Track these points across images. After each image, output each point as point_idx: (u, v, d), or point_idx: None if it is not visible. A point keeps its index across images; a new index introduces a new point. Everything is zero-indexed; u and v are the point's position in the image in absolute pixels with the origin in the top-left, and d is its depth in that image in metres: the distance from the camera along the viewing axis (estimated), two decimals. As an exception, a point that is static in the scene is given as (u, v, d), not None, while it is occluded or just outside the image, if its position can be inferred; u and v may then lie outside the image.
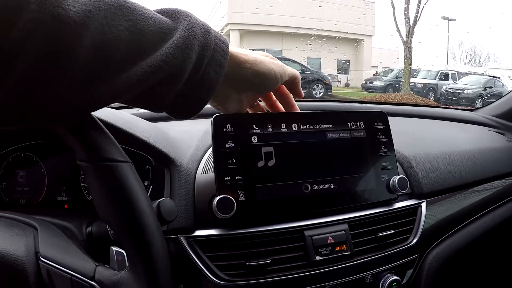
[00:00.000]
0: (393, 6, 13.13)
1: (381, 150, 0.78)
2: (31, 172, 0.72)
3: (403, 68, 10.35)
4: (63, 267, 0.42)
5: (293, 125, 0.71)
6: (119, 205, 0.44)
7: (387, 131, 0.79)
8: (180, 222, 0.64)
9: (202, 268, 0.62)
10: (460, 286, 1.22)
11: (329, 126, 0.74)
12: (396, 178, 0.75)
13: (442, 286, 0.85)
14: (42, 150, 0.73)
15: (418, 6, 11.91)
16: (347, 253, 0.70)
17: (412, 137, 0.98)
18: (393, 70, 12.70)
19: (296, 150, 0.70)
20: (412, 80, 10.86)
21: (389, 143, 0.79)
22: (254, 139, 0.67)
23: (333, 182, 0.72)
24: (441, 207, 0.87)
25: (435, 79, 11.86)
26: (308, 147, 0.71)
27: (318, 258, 0.68)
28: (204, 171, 0.70)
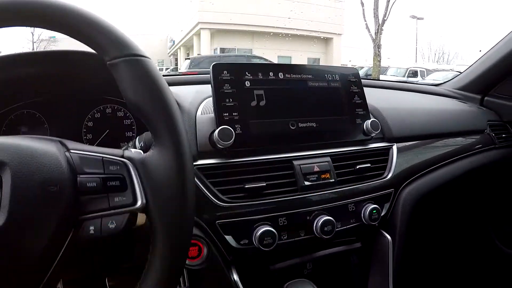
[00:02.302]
0: (362, 4, 13.76)
1: (354, 99, 0.90)
2: (34, 129, 0.80)
3: (372, 65, 10.65)
4: (93, 153, 0.48)
5: (279, 73, 0.83)
6: (152, 89, 0.49)
7: (359, 83, 0.92)
8: None
9: (206, 192, 0.71)
10: (431, 224, 1.35)
11: (309, 76, 0.86)
12: (369, 121, 0.87)
13: (416, 222, 0.96)
14: (45, 108, 0.81)
15: (387, 5, 12.51)
16: (331, 180, 0.80)
17: (382, 98, 1.11)
18: (363, 67, 12.97)
19: (282, 93, 0.82)
20: (382, 77, 11.14)
21: (361, 93, 0.91)
22: (247, 83, 0.79)
23: (315, 122, 0.83)
24: (410, 153, 0.99)
25: (404, 76, 12.17)
26: (292, 92, 0.83)
27: (306, 183, 0.78)
28: (203, 113, 0.80)
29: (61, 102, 0.83)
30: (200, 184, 0.71)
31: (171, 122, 0.50)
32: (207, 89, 0.82)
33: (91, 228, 0.46)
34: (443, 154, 1.08)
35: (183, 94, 0.85)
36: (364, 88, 0.93)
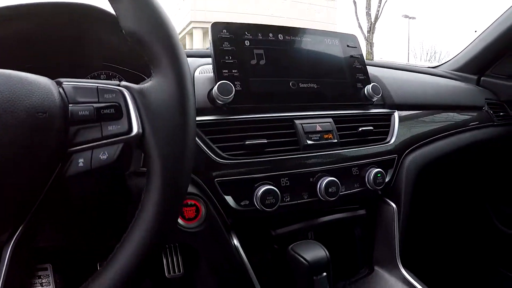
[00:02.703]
0: (354, 3, 13.98)
1: (354, 64, 0.88)
2: None
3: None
4: (87, 83, 0.45)
5: (279, 35, 0.81)
6: (154, 17, 0.46)
7: (358, 50, 0.90)
8: None
9: (204, 149, 0.67)
10: (433, 195, 1.33)
11: (309, 39, 0.84)
12: (369, 86, 0.85)
13: (420, 190, 0.93)
14: (39, 72, 0.76)
15: (379, 4, 12.69)
16: (334, 141, 0.77)
17: (381, 72, 1.09)
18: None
19: (282, 54, 0.80)
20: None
21: (361, 59, 0.89)
22: (247, 43, 0.76)
23: (316, 83, 0.81)
24: (412, 121, 0.97)
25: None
26: (292, 53, 0.81)
27: (309, 142, 0.75)
28: (201, 73, 0.77)
29: (57, 67, 0.79)
30: (198, 141, 0.67)
31: (174, 51, 0.47)
32: (207, 60, 0.81)
33: (80, 160, 0.43)
34: (444, 126, 1.06)
35: None
36: (369, 67, 0.92)
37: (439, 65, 1.48)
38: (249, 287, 0.72)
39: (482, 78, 1.39)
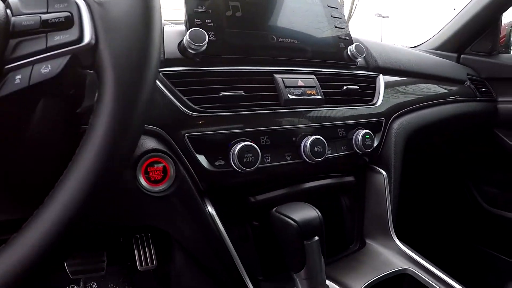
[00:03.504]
0: None
1: (335, 24, 0.82)
2: None
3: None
4: None
5: (257, -13, 0.73)
6: None
7: (340, 10, 0.84)
8: None
9: (173, 100, 0.59)
10: (421, 164, 1.27)
11: (290, -5, 0.77)
12: (353, 46, 0.79)
13: (408, 158, 0.87)
14: None
15: (352, 3, 13.00)
16: (318, 97, 0.70)
17: (365, 38, 1.04)
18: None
19: (260, 8, 0.72)
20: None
21: (343, 20, 0.83)
22: None
23: (297, 38, 0.74)
24: (397, 87, 0.92)
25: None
26: (271, 7, 0.74)
27: (290, 96, 0.67)
28: (173, 26, 0.69)
29: None
30: (166, 92, 0.59)
31: None
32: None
33: (18, 77, 0.35)
34: (428, 95, 1.02)
35: None
36: None
37: (418, 45, 1.45)
38: (228, 262, 0.63)
39: (462, 55, 1.37)
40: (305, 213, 0.54)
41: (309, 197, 0.78)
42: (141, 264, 0.88)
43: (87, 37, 0.37)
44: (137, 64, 0.37)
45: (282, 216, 0.53)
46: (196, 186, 0.62)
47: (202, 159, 0.60)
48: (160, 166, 0.57)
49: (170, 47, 0.64)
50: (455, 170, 1.44)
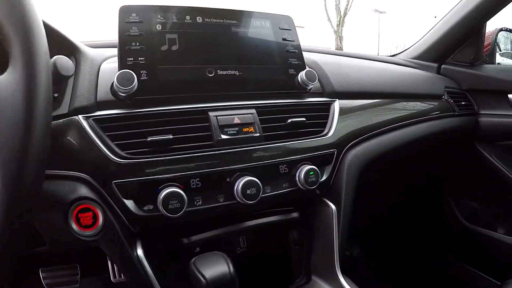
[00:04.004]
0: None
1: (287, 48, 0.78)
2: None
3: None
4: None
5: (198, 17, 0.70)
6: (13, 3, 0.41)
7: (293, 33, 0.80)
8: (81, 101, 0.60)
9: (100, 147, 0.58)
10: (381, 192, 1.24)
11: (234, 21, 0.74)
12: (303, 72, 0.76)
13: (364, 189, 0.84)
14: None
15: None
16: (256, 134, 0.68)
17: (325, 57, 0.99)
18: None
19: (199, 38, 0.69)
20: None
21: (295, 44, 0.79)
22: (158, 27, 0.66)
23: (238, 69, 0.71)
24: (357, 112, 0.88)
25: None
26: (211, 37, 0.71)
27: (223, 136, 0.65)
28: (110, 63, 0.67)
29: None
30: (95, 138, 0.58)
31: (26, 37, 0.41)
32: None
33: None
34: (396, 117, 0.97)
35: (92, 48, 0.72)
36: (310, 53, 0.82)
37: (398, 54, 1.40)
38: None
39: (442, 66, 1.32)
40: (217, 269, 0.52)
41: (256, 234, 0.77)
42: (114, 276, 0.89)
43: None
44: (20, 156, 0.39)
45: (195, 271, 0.52)
46: (127, 230, 0.62)
47: (130, 204, 0.60)
48: (90, 212, 0.58)
49: (103, 89, 0.63)
50: (433, 184, 1.40)
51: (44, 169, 0.43)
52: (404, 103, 1.03)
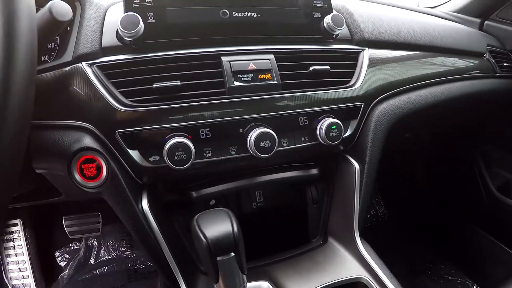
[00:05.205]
0: None
1: None
2: None
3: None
4: None
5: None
6: None
7: None
8: (85, 48, 0.56)
9: (104, 95, 0.54)
10: (409, 153, 1.16)
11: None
12: (330, 16, 0.67)
13: (392, 148, 0.77)
14: None
15: None
16: (273, 82, 0.61)
17: (356, 3, 0.89)
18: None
19: None
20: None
21: None
22: None
23: (256, 11, 0.63)
24: (389, 63, 0.79)
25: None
26: None
27: (237, 83, 0.59)
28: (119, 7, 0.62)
29: None
30: (98, 86, 0.54)
31: None
32: None
33: None
34: (433, 72, 0.87)
35: None
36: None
37: (439, 5, 1.26)
38: (160, 259, 0.60)
39: (486, 22, 1.18)
40: (220, 228, 0.48)
41: (267, 189, 0.72)
42: None
43: None
44: None
45: (197, 229, 0.48)
46: (133, 181, 0.59)
47: (135, 155, 0.56)
48: (93, 163, 0.55)
49: (109, 35, 0.58)
50: (467, 148, 1.30)
51: (28, 122, 0.40)
52: (442, 58, 0.92)
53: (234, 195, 0.69)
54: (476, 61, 1.03)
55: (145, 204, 0.59)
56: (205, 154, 0.58)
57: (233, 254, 0.48)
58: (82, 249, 1.39)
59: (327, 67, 0.66)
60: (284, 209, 0.75)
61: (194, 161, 0.55)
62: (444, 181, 1.37)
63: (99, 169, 0.55)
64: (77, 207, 1.25)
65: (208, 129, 0.58)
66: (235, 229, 0.47)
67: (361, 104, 0.71)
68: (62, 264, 1.36)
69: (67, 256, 1.38)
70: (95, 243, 1.40)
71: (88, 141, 0.55)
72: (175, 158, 0.54)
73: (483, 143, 1.28)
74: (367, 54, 0.74)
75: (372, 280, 0.62)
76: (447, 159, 1.34)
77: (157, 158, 0.56)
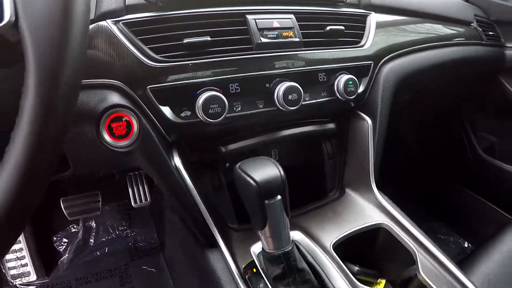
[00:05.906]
0: None
1: None
2: None
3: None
4: None
5: None
6: None
7: None
8: (109, 5, 0.55)
9: (133, 51, 0.54)
10: (412, 110, 1.22)
11: None
12: None
13: (398, 104, 0.82)
14: None
15: None
16: (295, 39, 0.64)
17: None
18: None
19: None
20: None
21: None
22: None
23: (274, -28, 0.66)
24: (392, 27, 0.84)
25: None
26: None
27: (263, 40, 0.61)
28: None
29: None
30: (126, 43, 0.54)
31: None
32: None
33: None
34: (427, 37, 0.93)
35: None
36: None
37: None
38: (195, 214, 0.61)
39: (471, -6, 1.25)
40: (267, 171, 0.50)
41: (289, 146, 0.75)
42: (135, 201, 0.90)
43: (7, 14, 0.34)
44: (56, 41, 0.34)
45: (243, 174, 0.50)
46: (163, 139, 0.60)
47: (166, 110, 0.57)
48: (123, 121, 0.54)
49: None
50: (454, 114, 1.38)
51: (80, 78, 0.39)
52: (435, 24, 0.99)
53: (254, 152, 0.72)
54: (464, 29, 1.10)
55: (177, 161, 0.60)
56: (235, 109, 0.60)
57: (279, 197, 0.50)
58: (81, 231, 1.36)
59: (342, 27, 0.70)
60: (301, 164, 0.79)
61: (227, 115, 0.57)
62: (434, 146, 1.45)
63: (129, 127, 0.55)
64: (74, 189, 1.22)
65: (237, 84, 0.60)
66: (282, 172, 0.50)
67: (371, 63, 0.75)
68: (61, 248, 1.33)
69: (65, 240, 1.34)
70: (93, 224, 1.38)
71: (116, 99, 0.54)
72: (210, 111, 0.55)
73: (472, 111, 1.36)
74: (374, 17, 0.79)
75: (394, 224, 0.67)
76: (440, 127, 1.42)
77: (189, 113, 0.57)
